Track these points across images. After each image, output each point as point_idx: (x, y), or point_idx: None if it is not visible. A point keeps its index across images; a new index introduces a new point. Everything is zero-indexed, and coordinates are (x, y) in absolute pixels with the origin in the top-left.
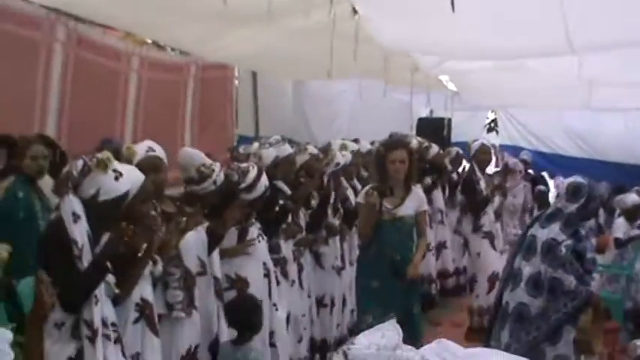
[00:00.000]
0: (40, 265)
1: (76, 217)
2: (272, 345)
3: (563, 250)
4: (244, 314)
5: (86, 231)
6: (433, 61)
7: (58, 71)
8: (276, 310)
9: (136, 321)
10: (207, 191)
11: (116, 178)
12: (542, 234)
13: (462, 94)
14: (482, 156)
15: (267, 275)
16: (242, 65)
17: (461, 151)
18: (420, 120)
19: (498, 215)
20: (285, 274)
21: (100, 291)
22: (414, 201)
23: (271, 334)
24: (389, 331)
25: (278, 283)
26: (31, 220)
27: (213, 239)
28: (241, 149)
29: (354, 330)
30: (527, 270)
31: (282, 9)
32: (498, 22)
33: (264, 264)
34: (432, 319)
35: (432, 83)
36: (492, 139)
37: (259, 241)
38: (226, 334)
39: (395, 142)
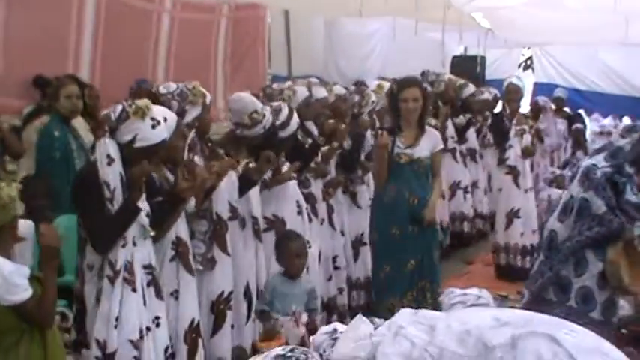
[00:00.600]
0: (74, 206)
1: (110, 160)
2: None
3: (598, 173)
4: (278, 250)
5: (120, 174)
6: None
7: (91, 13)
8: (309, 246)
9: (172, 259)
10: (256, 134)
11: (153, 127)
12: (586, 162)
13: (495, 30)
14: (510, 95)
15: (299, 213)
16: (273, 3)
17: (497, 93)
18: (455, 58)
19: (527, 153)
20: (315, 213)
21: (131, 233)
22: (429, 141)
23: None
24: (361, 324)
25: (310, 220)
26: (67, 159)
27: (247, 184)
28: (275, 86)
29: (371, 284)
30: (563, 197)
31: None
32: None
33: (297, 202)
34: (465, 257)
35: (465, 20)
36: (528, 76)
37: (290, 181)
38: (265, 273)
39: (407, 80)
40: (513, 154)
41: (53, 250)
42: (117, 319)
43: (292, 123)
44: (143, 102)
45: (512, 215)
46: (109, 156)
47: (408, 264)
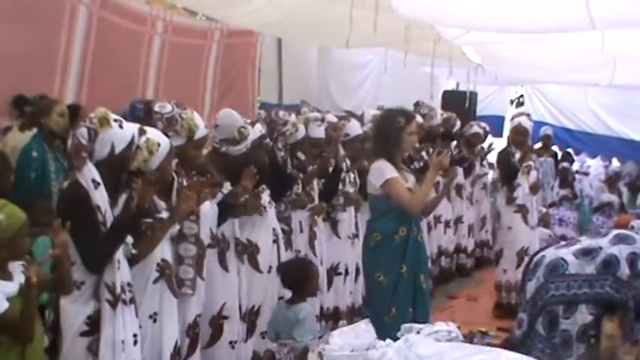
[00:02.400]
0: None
1: (96, 184)
2: None
3: None
4: (300, 275)
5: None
6: (456, 32)
7: (82, 31)
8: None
9: (156, 281)
10: (239, 152)
11: (120, 126)
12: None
13: (485, 66)
14: (517, 135)
15: (275, 241)
16: (266, 31)
17: (486, 128)
18: (446, 92)
19: (535, 189)
20: (290, 244)
21: (120, 253)
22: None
23: (281, 298)
24: (363, 331)
25: (286, 248)
26: (43, 180)
27: (226, 210)
28: (281, 114)
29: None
30: (585, 242)
31: None
32: None
33: (274, 230)
34: (448, 292)
35: (455, 54)
36: None
37: (268, 209)
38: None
39: (412, 113)
40: (522, 192)
41: (30, 280)
42: (123, 342)
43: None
44: (99, 112)
45: (523, 253)
46: (94, 180)
47: (411, 309)
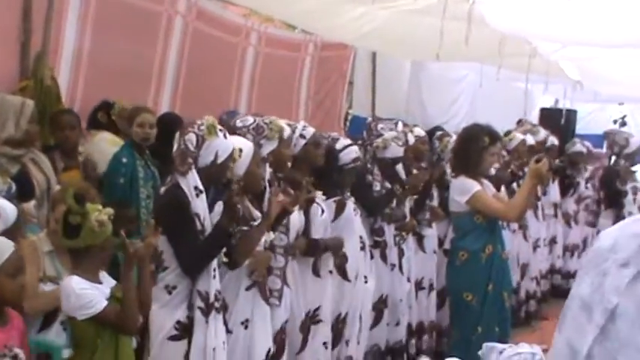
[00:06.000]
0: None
1: (198, 192)
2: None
3: None
4: None
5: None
6: (553, 46)
7: (177, 42)
8: (366, 282)
9: (248, 288)
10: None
11: (225, 136)
12: None
13: (584, 82)
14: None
15: (362, 248)
16: (358, 44)
17: (588, 147)
18: (543, 110)
19: None
20: (384, 258)
21: (215, 262)
22: None
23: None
24: None
25: (372, 257)
26: (131, 185)
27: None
28: (380, 126)
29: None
30: None
31: None
32: (621, 9)
33: (360, 237)
34: (539, 314)
35: (552, 70)
36: None
37: (354, 216)
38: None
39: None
40: (627, 215)
41: (132, 260)
42: (214, 349)
43: (343, 155)
44: (208, 120)
45: None
46: (196, 187)
47: (497, 328)
